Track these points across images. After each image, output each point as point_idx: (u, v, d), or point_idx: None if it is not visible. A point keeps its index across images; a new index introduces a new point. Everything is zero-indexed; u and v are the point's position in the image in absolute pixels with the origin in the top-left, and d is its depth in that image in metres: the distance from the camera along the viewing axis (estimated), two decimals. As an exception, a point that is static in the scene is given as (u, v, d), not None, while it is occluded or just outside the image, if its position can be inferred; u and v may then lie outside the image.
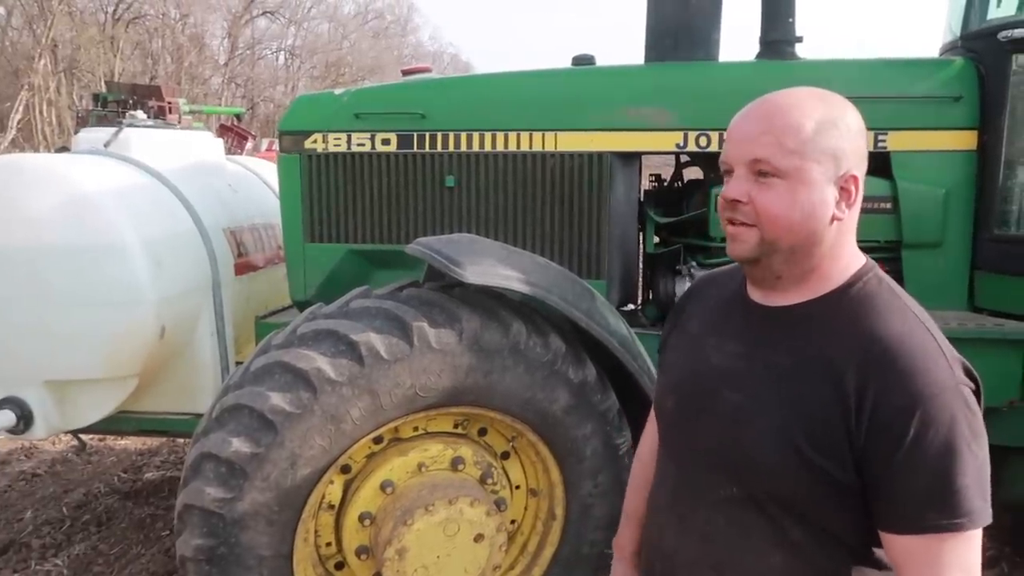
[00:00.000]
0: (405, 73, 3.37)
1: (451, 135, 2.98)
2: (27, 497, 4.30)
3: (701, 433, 1.27)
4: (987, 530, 1.09)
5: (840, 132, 1.16)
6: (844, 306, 1.17)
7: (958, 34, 3.14)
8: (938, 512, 1.05)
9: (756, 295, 1.27)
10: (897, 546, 1.10)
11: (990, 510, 1.07)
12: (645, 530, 1.44)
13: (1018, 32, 2.71)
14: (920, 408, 1.05)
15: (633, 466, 1.64)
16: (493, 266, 2.24)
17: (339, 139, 3.03)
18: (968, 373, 1.12)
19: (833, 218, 1.16)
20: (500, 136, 2.96)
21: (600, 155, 2.92)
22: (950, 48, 3.21)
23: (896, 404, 1.06)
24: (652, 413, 1.54)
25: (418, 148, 2.99)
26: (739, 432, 1.20)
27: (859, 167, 1.18)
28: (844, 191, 1.17)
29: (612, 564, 1.65)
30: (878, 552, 1.17)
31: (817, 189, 1.15)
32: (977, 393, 1.11)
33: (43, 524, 3.93)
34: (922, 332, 1.13)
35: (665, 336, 1.49)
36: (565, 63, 3.21)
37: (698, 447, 1.28)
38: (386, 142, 3.01)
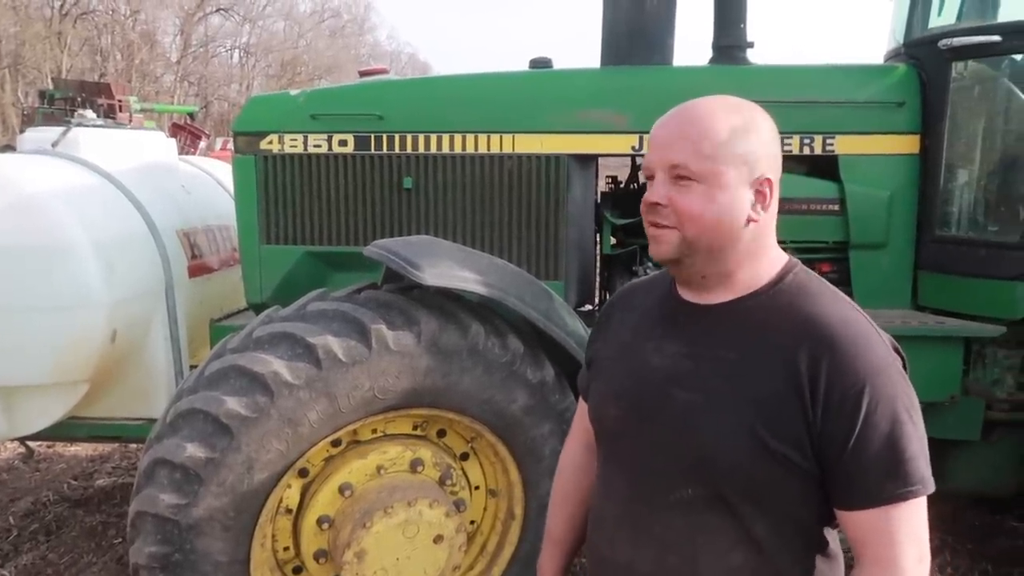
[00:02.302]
0: (363, 74, 3.36)
1: (408, 136, 2.98)
2: (-28, 506, 4.17)
3: (653, 437, 1.27)
4: (930, 520, 1.14)
5: (753, 138, 1.20)
6: (780, 297, 1.22)
7: (901, 41, 3.25)
8: (894, 482, 1.11)
9: (688, 295, 1.30)
10: (856, 522, 1.15)
11: (932, 478, 1.14)
12: (593, 546, 1.42)
13: (957, 40, 2.82)
14: (869, 385, 1.11)
15: (554, 485, 1.61)
16: (451, 268, 2.25)
17: (295, 140, 3.01)
18: (896, 350, 1.20)
19: (749, 219, 1.21)
20: (458, 137, 2.97)
21: (557, 157, 2.95)
22: (894, 55, 3.31)
23: (847, 383, 1.12)
24: (575, 430, 1.55)
25: (375, 149, 2.99)
26: (695, 430, 1.21)
27: (773, 171, 1.23)
28: (759, 194, 1.21)
29: None
30: (829, 539, 1.24)
31: (732, 192, 1.19)
32: (905, 369, 1.19)
33: (-11, 534, 3.82)
34: (857, 314, 1.20)
35: (591, 351, 1.48)
36: (523, 66, 3.24)
37: (650, 452, 1.28)
38: (343, 143, 3.00)
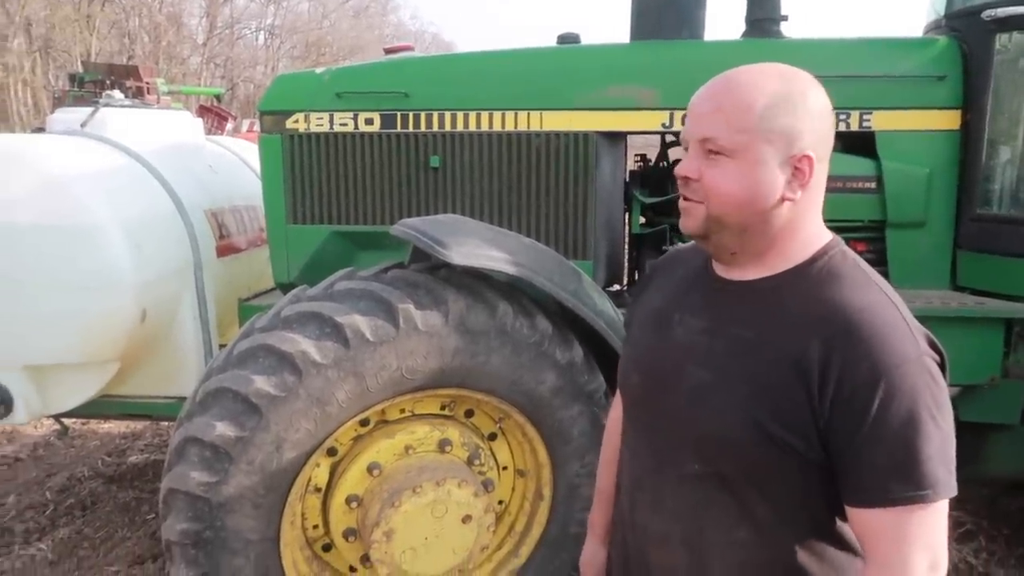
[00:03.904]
0: (388, 52, 3.32)
1: (435, 114, 2.95)
2: (9, 482, 4.26)
3: (665, 409, 1.26)
4: (964, 504, 1.10)
5: (795, 111, 1.13)
6: (808, 280, 1.17)
7: (942, 13, 3.14)
8: (903, 484, 1.05)
9: (719, 269, 1.27)
10: (862, 520, 1.10)
11: (955, 483, 1.07)
12: (617, 505, 1.44)
13: (1002, 11, 2.72)
14: (884, 379, 1.05)
15: (603, 441, 1.63)
16: (479, 247, 2.23)
17: (321, 119, 2.99)
18: (933, 346, 1.12)
19: (783, 198, 1.15)
20: (484, 115, 2.93)
21: (585, 135, 2.90)
22: (934, 27, 3.21)
23: (860, 376, 1.06)
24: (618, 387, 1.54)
25: (402, 128, 2.96)
26: (701, 407, 1.20)
27: (817, 147, 1.15)
28: (797, 171, 1.14)
29: (585, 541, 1.65)
30: (842, 528, 1.18)
31: (764, 169, 1.13)
32: (942, 366, 1.11)
33: (26, 508, 3.90)
34: (886, 305, 1.12)
35: (630, 312, 1.49)
36: (550, 42, 3.18)
37: (663, 423, 1.27)
38: (369, 122, 2.97)
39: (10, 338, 2.74)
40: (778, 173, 1.14)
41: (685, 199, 1.22)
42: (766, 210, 1.15)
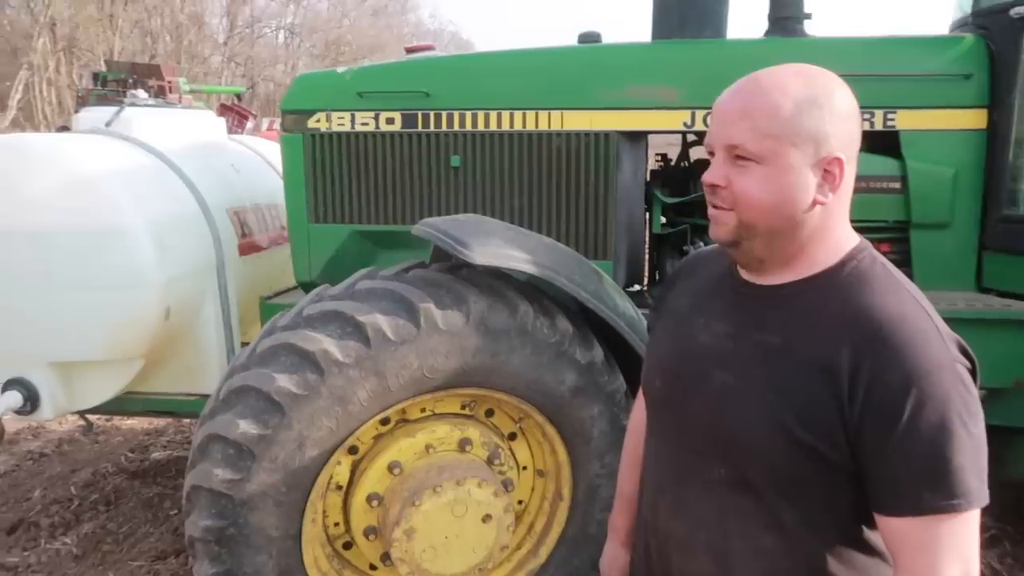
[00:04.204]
0: (409, 51, 3.33)
1: (456, 114, 2.95)
2: (35, 476, 4.33)
3: (690, 413, 1.25)
4: (990, 509, 1.08)
5: (823, 113, 1.11)
6: (836, 286, 1.15)
7: (968, 11, 3.10)
8: (934, 492, 1.03)
9: (745, 273, 1.26)
10: (892, 528, 1.08)
11: (987, 491, 1.06)
12: (640, 508, 1.44)
13: (1031, 8, 2.68)
14: (915, 386, 1.03)
15: (625, 442, 1.62)
16: (500, 247, 2.23)
17: (342, 118, 3.00)
18: (964, 352, 1.11)
19: (815, 202, 1.14)
20: (505, 115, 2.93)
21: (606, 134, 2.90)
22: (960, 25, 3.17)
23: (891, 383, 1.04)
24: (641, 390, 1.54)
25: (422, 127, 2.97)
26: (727, 412, 1.19)
27: (846, 149, 1.13)
28: (828, 174, 1.13)
29: (605, 543, 1.65)
30: (871, 535, 1.16)
31: (795, 173, 1.12)
32: (973, 373, 1.10)
33: (51, 503, 3.95)
34: (916, 310, 1.11)
35: (654, 315, 1.48)
36: (570, 41, 3.18)
37: (687, 428, 1.26)
38: (390, 121, 2.99)
39: (37, 335, 2.78)
40: (809, 177, 1.13)
41: (714, 207, 1.20)
42: (797, 215, 1.14)
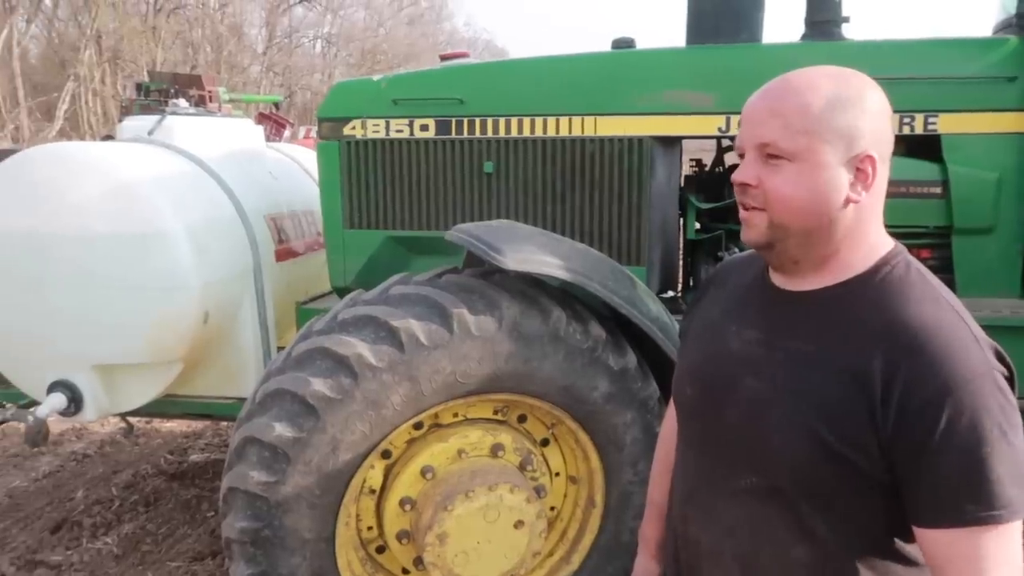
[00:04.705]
0: (443, 59, 3.36)
1: (489, 120, 2.96)
2: (78, 477, 4.43)
3: (721, 422, 1.24)
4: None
5: (854, 111, 1.11)
6: (870, 292, 1.13)
7: (1012, 12, 3.02)
8: (974, 503, 1.01)
9: (777, 279, 1.24)
10: (932, 540, 1.06)
11: None
12: (670, 518, 1.42)
13: (1078, 9, 2.61)
14: (952, 395, 1.01)
15: (656, 451, 1.61)
16: (533, 252, 2.23)
17: (378, 125, 3.04)
18: (1001, 359, 1.08)
19: (848, 200, 1.12)
20: (539, 121, 2.94)
21: (640, 140, 2.89)
22: (1004, 27, 3.10)
23: (927, 392, 1.02)
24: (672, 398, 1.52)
25: (456, 134, 2.99)
26: (758, 420, 1.17)
27: (878, 147, 1.12)
28: (860, 172, 1.12)
29: (636, 555, 1.63)
30: (905, 546, 1.13)
31: (827, 170, 1.11)
32: (1011, 380, 1.07)
33: (94, 503, 4.04)
34: (952, 317, 1.08)
35: (686, 323, 1.47)
36: (604, 47, 3.17)
37: (718, 436, 1.25)
38: (424, 128, 3.01)
39: (80, 339, 2.85)
40: (842, 174, 1.11)
41: (745, 208, 1.18)
42: (831, 213, 1.13)
